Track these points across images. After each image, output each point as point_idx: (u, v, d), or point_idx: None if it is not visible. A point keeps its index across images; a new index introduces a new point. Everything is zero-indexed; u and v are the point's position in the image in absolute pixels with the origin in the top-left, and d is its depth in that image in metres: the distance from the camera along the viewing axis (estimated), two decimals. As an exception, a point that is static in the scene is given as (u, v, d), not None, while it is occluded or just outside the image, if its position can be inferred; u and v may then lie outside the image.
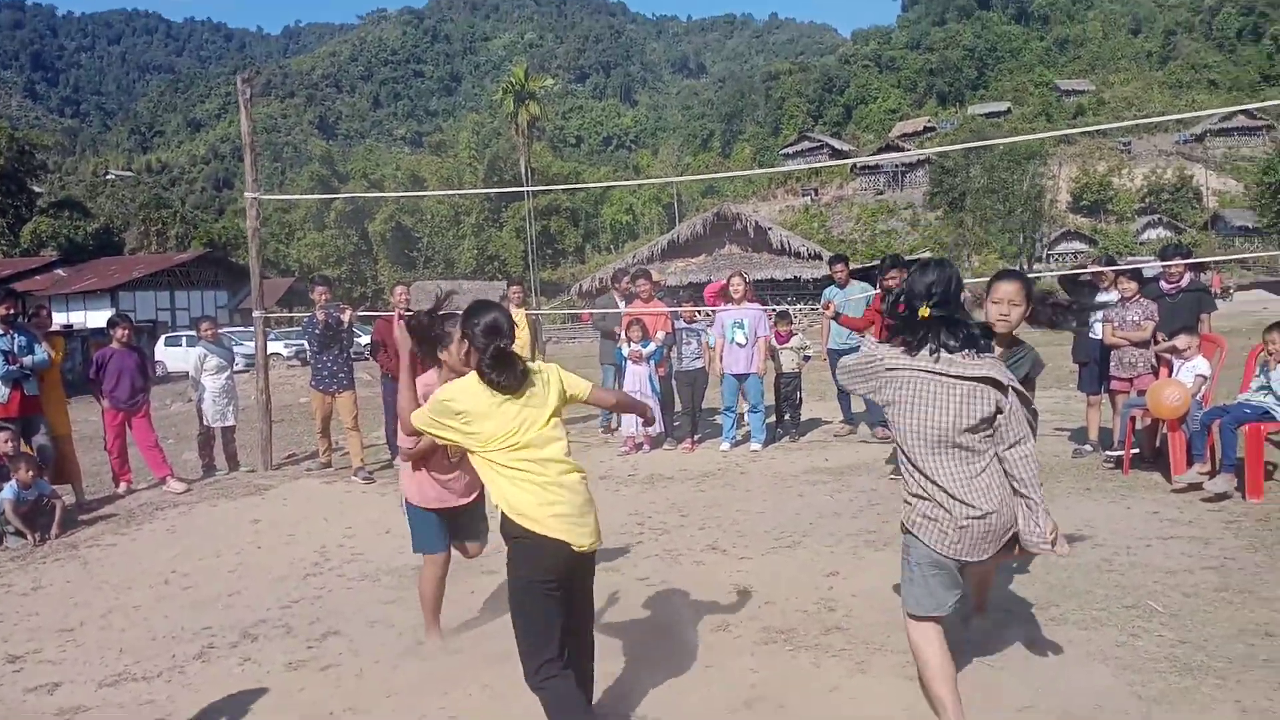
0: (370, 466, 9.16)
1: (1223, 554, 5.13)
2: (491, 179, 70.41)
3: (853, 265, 10.84)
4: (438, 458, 4.32)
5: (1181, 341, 7.17)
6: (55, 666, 4.54)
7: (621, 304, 10.98)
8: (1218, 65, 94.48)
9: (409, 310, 9.82)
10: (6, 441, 7.36)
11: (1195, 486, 6.46)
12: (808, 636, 4.30)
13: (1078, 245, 65.84)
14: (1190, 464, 6.60)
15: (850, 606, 4.68)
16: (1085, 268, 10.76)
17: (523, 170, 62.57)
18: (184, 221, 69.02)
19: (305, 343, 10.02)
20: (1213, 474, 6.40)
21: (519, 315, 10.81)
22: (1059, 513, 6.17)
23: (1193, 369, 7.07)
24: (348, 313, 9.37)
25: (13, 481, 7.08)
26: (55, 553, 6.82)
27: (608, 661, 4.18)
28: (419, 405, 3.49)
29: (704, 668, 4.03)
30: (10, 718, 3.95)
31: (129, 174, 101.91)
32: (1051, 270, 47.17)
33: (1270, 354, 6.51)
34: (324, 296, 9.33)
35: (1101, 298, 8.11)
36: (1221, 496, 6.24)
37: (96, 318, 37.30)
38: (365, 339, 12.10)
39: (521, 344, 10.58)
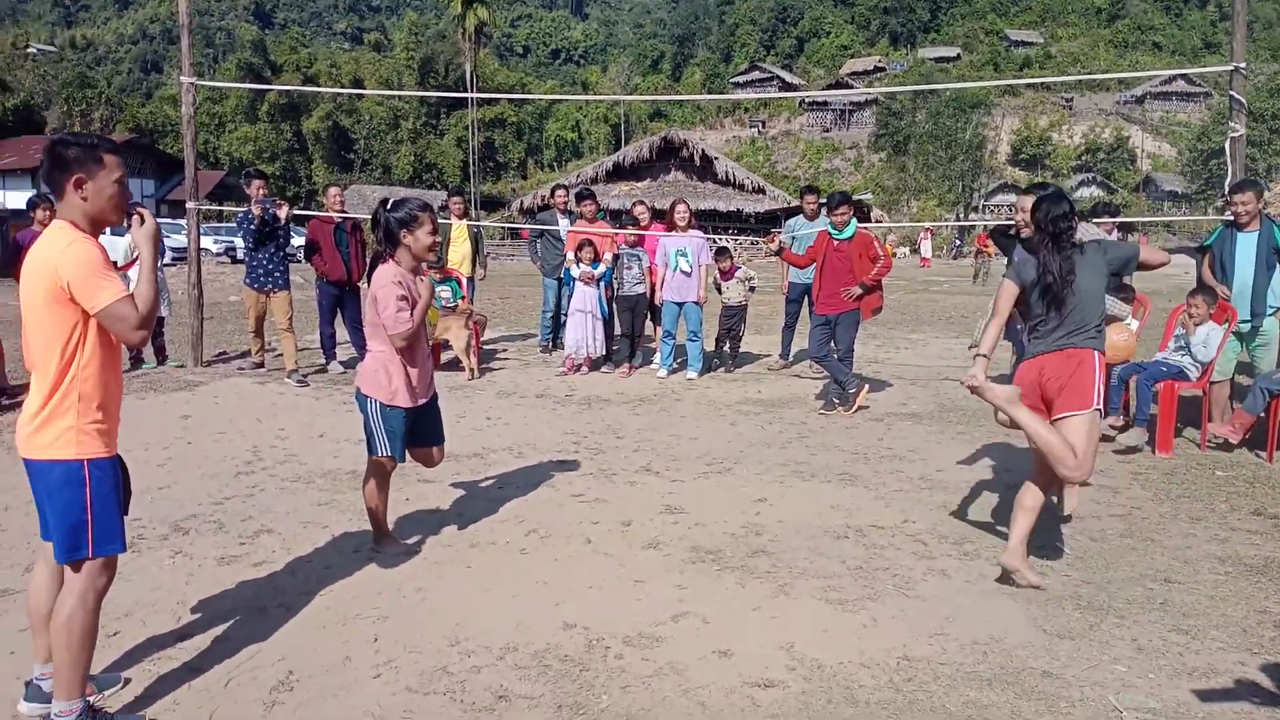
0: (304, 370, 9.07)
1: (1130, 503, 5.42)
2: (427, 83, 68.39)
3: (794, 203, 11.03)
4: (420, 347, 4.40)
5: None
6: (-22, 550, 4.47)
7: (564, 221, 10.90)
8: (1164, 28, 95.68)
9: (343, 213, 9.65)
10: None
11: (1107, 439, 6.76)
12: (734, 558, 4.46)
13: (1013, 198, 66.85)
14: (1105, 416, 6.90)
15: (776, 532, 4.84)
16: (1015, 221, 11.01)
17: (467, 76, 60.98)
18: (109, 104, 65.71)
19: (239, 239, 9.77)
20: (1126, 427, 6.72)
21: (459, 227, 10.70)
22: (980, 454, 6.45)
23: (1125, 324, 7.31)
24: (284, 209, 9.11)
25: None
26: (-26, 437, 6.66)
27: (540, 569, 4.30)
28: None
29: (633, 582, 4.16)
30: (-70, 599, 3.90)
31: (52, 49, 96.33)
32: (986, 220, 47.92)
33: (1190, 316, 6.78)
34: (260, 191, 9.06)
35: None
36: (1132, 449, 6.55)
37: (16, 198, 35.69)
38: (300, 240, 11.83)
39: (461, 256, 10.52)
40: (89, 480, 2.79)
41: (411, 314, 4.24)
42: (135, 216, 2.96)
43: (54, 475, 2.77)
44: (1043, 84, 77.49)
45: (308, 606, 3.87)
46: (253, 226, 8.89)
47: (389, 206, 4.35)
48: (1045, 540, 4.71)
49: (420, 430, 4.50)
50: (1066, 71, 73.49)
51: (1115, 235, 8.39)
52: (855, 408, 7.92)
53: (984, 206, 65.53)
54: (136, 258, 9.38)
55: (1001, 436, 7.11)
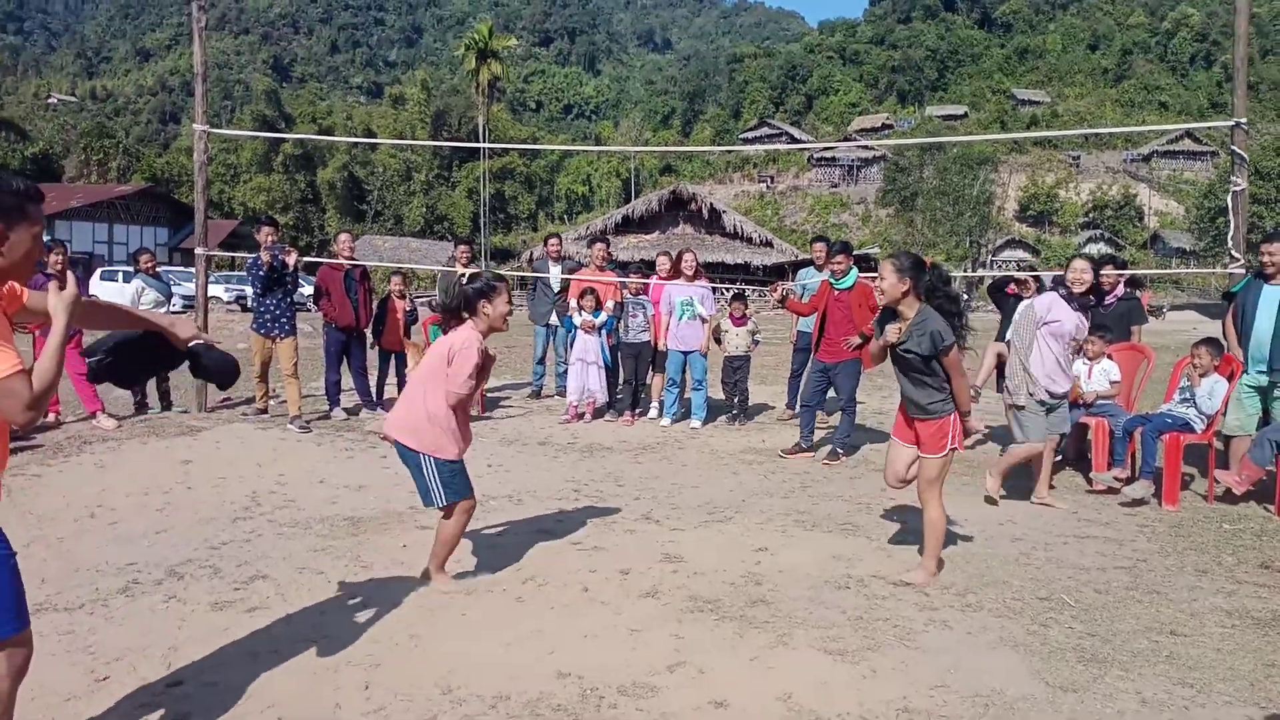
0: (307, 416, 9.08)
1: (1135, 555, 5.35)
2: (440, 135, 69.31)
3: (801, 256, 10.95)
4: (468, 404, 4.71)
5: (1092, 346, 7.30)
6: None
7: (555, 269, 10.98)
8: (1170, 88, 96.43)
9: (352, 258, 9.75)
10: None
11: (1113, 490, 6.70)
12: (733, 607, 4.40)
13: (1021, 254, 67.05)
14: (1110, 467, 6.84)
15: (776, 581, 4.78)
16: (1015, 273, 11.11)
17: (480, 129, 61.86)
18: (127, 153, 66.85)
19: (249, 285, 9.85)
20: (1131, 479, 6.65)
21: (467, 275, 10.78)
22: (985, 506, 6.41)
23: (1104, 372, 7.29)
24: (293, 255, 9.20)
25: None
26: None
27: (535, 618, 4.25)
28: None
29: (630, 631, 4.10)
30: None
31: (72, 99, 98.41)
32: (991, 273, 48.11)
33: (1195, 367, 6.75)
34: (270, 237, 9.16)
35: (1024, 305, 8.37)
36: (1138, 502, 6.48)
37: (29, 244, 36.03)
38: (310, 289, 11.94)
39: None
40: None
41: (477, 381, 4.55)
42: (54, 282, 2.57)
43: None
44: (1049, 140, 78.23)
45: (300, 653, 3.82)
46: (261, 272, 8.96)
47: (466, 280, 4.79)
48: (1050, 592, 4.65)
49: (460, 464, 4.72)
50: (1074, 128, 74.16)
51: (1120, 287, 8.37)
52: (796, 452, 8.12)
53: (992, 262, 65.69)
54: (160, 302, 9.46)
55: (1006, 489, 7.05)
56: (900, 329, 4.75)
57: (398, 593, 4.54)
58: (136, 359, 3.21)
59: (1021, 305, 7.03)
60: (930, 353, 4.63)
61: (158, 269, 10.00)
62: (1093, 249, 64.10)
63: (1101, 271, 8.20)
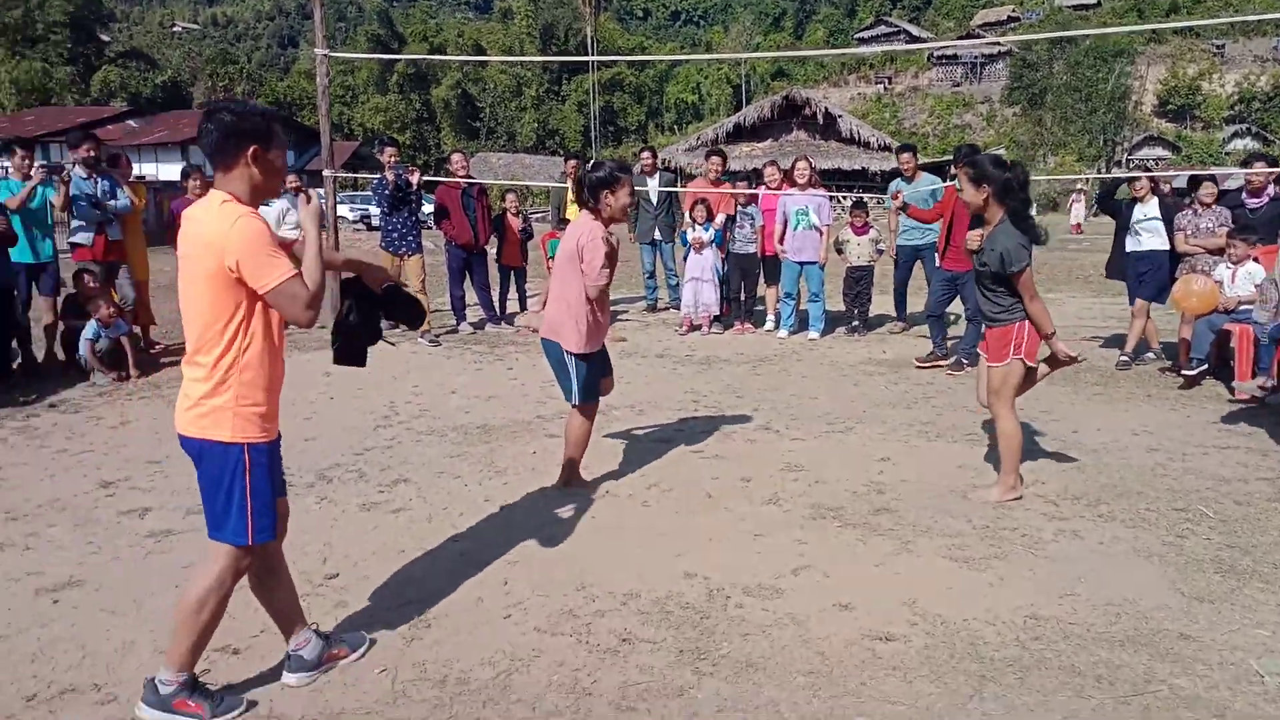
0: (436, 331, 9.39)
1: None
2: (549, 49, 68.86)
3: (925, 159, 10.27)
4: (607, 297, 4.76)
5: (1236, 249, 6.95)
6: (145, 494, 4.85)
7: (651, 182, 10.77)
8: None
9: (469, 178, 9.89)
10: (91, 282, 7.68)
11: (1257, 400, 6.41)
12: (856, 515, 4.45)
13: (1159, 151, 63.07)
14: (1254, 376, 6.53)
15: (900, 491, 4.80)
16: (1125, 174, 10.40)
17: (588, 40, 61.17)
18: (250, 78, 68.80)
19: (375, 205, 10.10)
20: (1277, 389, 6.34)
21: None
22: (1119, 416, 6.24)
23: (1248, 276, 6.91)
24: (416, 175, 9.41)
25: (93, 320, 7.39)
26: (140, 391, 7.20)
27: (661, 521, 4.39)
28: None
29: (753, 536, 4.20)
30: (105, 536, 4.26)
31: (195, 27, 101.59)
32: (1129, 174, 45.55)
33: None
34: (393, 158, 9.37)
35: (1140, 210, 7.93)
36: (1284, 411, 6.18)
37: (168, 170, 37.76)
38: (431, 207, 12.24)
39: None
40: (248, 465, 2.68)
41: (611, 270, 4.55)
42: (302, 196, 2.98)
43: (211, 455, 2.68)
44: (1192, 29, 72.53)
45: (443, 551, 4.06)
46: (387, 192, 9.21)
47: (590, 167, 4.66)
48: (1188, 503, 4.53)
49: (601, 366, 4.85)
50: (1217, 15, 68.57)
51: (1272, 187, 7.83)
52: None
53: (1128, 161, 62.04)
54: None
55: (1141, 399, 6.84)
56: (982, 235, 4.59)
57: (531, 496, 4.76)
58: (358, 328, 3.19)
59: None
60: (999, 270, 4.44)
61: (304, 189, 10.39)
62: (1239, 145, 59.87)
63: (1249, 170, 7.74)
